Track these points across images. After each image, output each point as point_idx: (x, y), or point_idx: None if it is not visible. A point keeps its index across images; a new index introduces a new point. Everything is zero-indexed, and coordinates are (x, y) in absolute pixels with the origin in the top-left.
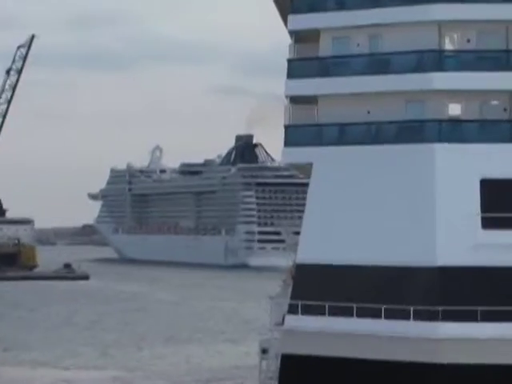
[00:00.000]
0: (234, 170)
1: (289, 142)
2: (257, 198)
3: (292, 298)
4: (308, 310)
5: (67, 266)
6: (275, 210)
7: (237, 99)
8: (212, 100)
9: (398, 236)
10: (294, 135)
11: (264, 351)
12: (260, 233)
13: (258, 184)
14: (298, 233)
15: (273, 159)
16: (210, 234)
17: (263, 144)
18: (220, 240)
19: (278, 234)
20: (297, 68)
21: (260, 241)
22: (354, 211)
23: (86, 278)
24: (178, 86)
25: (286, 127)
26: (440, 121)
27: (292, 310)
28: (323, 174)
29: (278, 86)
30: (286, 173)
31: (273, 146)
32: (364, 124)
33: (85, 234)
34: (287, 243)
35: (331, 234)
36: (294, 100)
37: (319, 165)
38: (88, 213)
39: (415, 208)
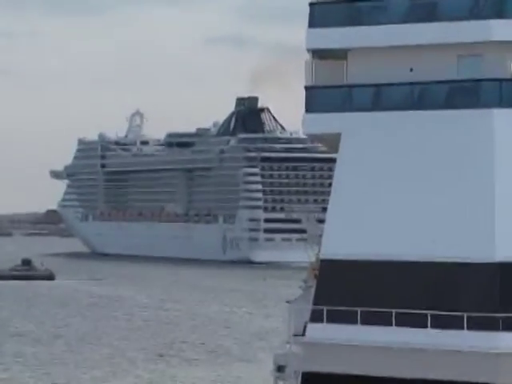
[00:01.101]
0: (233, 141)
1: (311, 108)
2: (262, 176)
3: (315, 302)
4: (335, 318)
5: (26, 262)
6: (285, 192)
7: (238, 52)
8: (206, 53)
9: (447, 225)
10: (318, 99)
11: (280, 369)
12: (267, 220)
13: (264, 159)
14: (322, 221)
15: (283, 128)
16: (204, 221)
17: (270, 108)
18: (217, 229)
19: (291, 221)
20: (322, 14)
21: (267, 230)
22: (392, 193)
23: (50, 277)
24: (164, 35)
25: (308, 89)
26: (500, 80)
27: (315, 317)
28: (354, 146)
29: (293, 35)
30: (299, 145)
31: (283, 110)
32: (405, 85)
33: (49, 222)
34: (309, 234)
35: (364, 223)
36: (318, 55)
37: (349, 136)
38: (53, 196)
39: (469, 190)
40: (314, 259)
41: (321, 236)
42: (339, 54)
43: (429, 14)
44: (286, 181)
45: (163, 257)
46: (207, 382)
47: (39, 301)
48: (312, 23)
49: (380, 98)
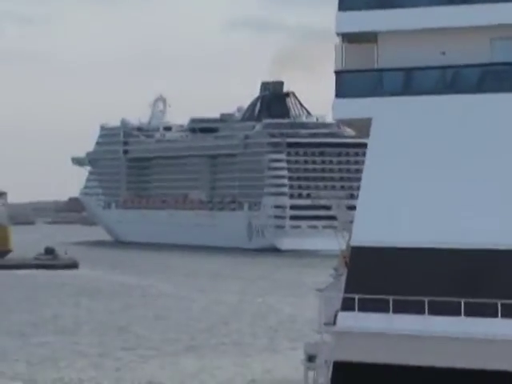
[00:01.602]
0: (258, 126)
1: (341, 93)
2: (288, 162)
3: (347, 290)
4: (367, 306)
5: (50, 250)
6: (311, 178)
7: (262, 35)
8: (230, 37)
9: (482, 210)
10: (348, 83)
11: (310, 359)
12: (293, 207)
13: (290, 145)
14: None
15: (309, 113)
16: (228, 208)
17: (296, 93)
18: (242, 216)
19: (317, 208)
20: None
21: (293, 217)
22: (425, 179)
23: (74, 266)
24: (187, 19)
25: (338, 73)
26: None
27: (347, 306)
28: (385, 131)
29: (318, 18)
30: (325, 130)
31: (309, 95)
32: (437, 68)
33: (72, 210)
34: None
35: (396, 209)
36: (348, 38)
37: (380, 121)
38: (75, 183)
39: (502, 175)
40: (344, 247)
41: (351, 223)
42: (369, 38)
43: None
44: (311, 167)
45: (187, 245)
46: (236, 371)
47: (64, 289)
48: (342, 6)
49: (411, 82)
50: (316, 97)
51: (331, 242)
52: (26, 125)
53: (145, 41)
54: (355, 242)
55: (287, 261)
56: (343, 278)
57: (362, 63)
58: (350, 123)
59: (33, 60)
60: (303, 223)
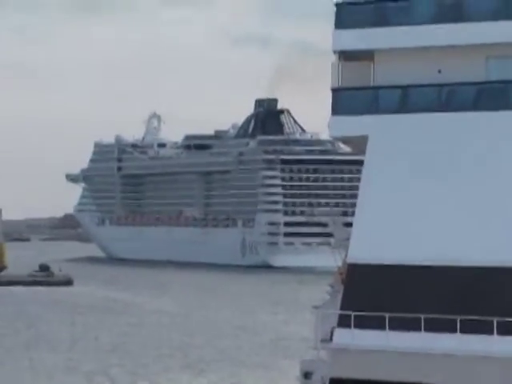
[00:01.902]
0: (253, 143)
1: (338, 110)
2: (282, 179)
3: (343, 307)
4: (363, 323)
5: (44, 267)
6: (306, 195)
7: (258, 51)
8: (225, 53)
9: (478, 228)
10: (345, 101)
11: (306, 375)
12: (287, 224)
13: (284, 161)
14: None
15: (303, 129)
16: (222, 225)
17: (290, 110)
18: (235, 233)
19: (311, 225)
20: (348, 15)
21: (287, 234)
22: (421, 196)
23: (68, 283)
24: (181, 34)
25: (335, 91)
26: None
27: (343, 322)
28: (381, 149)
29: (314, 34)
30: (319, 147)
31: (303, 112)
32: (433, 86)
33: (67, 226)
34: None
35: (393, 226)
36: (345, 56)
37: (376, 138)
38: (70, 200)
39: (499, 192)
40: (340, 263)
41: (348, 240)
42: (366, 56)
43: (457, 15)
44: (306, 184)
45: (181, 261)
46: None
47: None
48: (338, 24)
49: (407, 99)
50: (311, 114)
51: (325, 259)
52: (20, 141)
53: (140, 58)
54: (351, 259)
55: (280, 277)
56: (339, 295)
57: (359, 81)
58: (346, 140)
59: (25, 73)
60: (297, 240)
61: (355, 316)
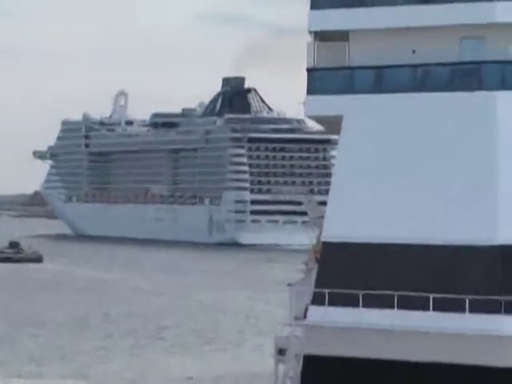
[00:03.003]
0: (220, 121)
1: (313, 90)
2: (249, 157)
3: (317, 285)
4: (337, 300)
5: (14, 244)
6: (272, 174)
7: (226, 30)
8: (193, 31)
9: (449, 207)
10: (320, 81)
11: (281, 352)
12: (253, 202)
13: (251, 140)
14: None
15: (270, 108)
16: (189, 203)
17: (258, 89)
18: (203, 211)
19: (277, 203)
20: None
21: (254, 212)
22: (394, 175)
23: (38, 260)
24: (149, 12)
25: (310, 71)
26: (503, 62)
27: (317, 300)
28: (356, 128)
29: (284, 15)
30: (286, 125)
31: (270, 90)
32: (408, 67)
33: (37, 204)
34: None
35: (367, 205)
36: (320, 36)
37: (351, 118)
38: (40, 177)
39: (471, 172)
40: (314, 241)
41: (322, 218)
42: (341, 36)
43: None
44: (272, 162)
45: (148, 239)
46: (204, 366)
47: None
48: (314, 5)
49: (382, 80)
50: (277, 93)
51: (291, 237)
52: None
53: (107, 35)
54: (326, 238)
55: (247, 254)
56: (313, 273)
57: (334, 61)
58: (321, 120)
59: None
60: (263, 218)
61: (329, 293)
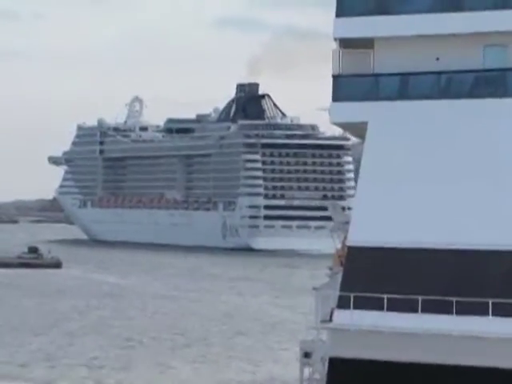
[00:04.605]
0: (234, 127)
1: (338, 97)
2: (263, 163)
3: (342, 289)
4: (362, 304)
5: (33, 249)
6: (286, 179)
7: (240, 34)
8: (208, 36)
9: (475, 212)
10: (345, 88)
11: (306, 355)
12: (267, 207)
13: (265, 145)
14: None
15: (284, 114)
16: (203, 208)
17: (271, 95)
18: (216, 216)
19: (291, 208)
20: (349, 3)
21: (267, 217)
22: (420, 181)
23: (57, 265)
24: (164, 17)
25: (335, 78)
26: None
27: (342, 303)
28: (380, 135)
29: (301, 20)
30: (299, 131)
31: (284, 96)
32: (432, 74)
33: (56, 209)
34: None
35: (391, 210)
36: (345, 44)
37: (376, 124)
38: (58, 182)
39: (495, 177)
40: (339, 246)
41: (346, 223)
42: (366, 43)
43: (455, 4)
44: (286, 167)
45: (162, 244)
46: (229, 371)
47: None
48: (339, 12)
49: (406, 86)
50: (291, 99)
51: (305, 242)
52: (10, 120)
53: (123, 41)
54: (351, 242)
55: (262, 259)
56: (339, 277)
57: (359, 68)
58: (346, 126)
59: (10, 57)
60: (277, 223)
61: (354, 297)
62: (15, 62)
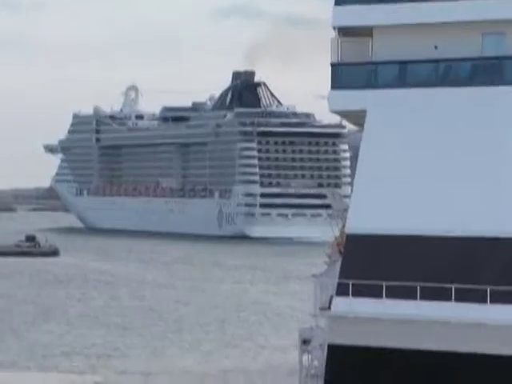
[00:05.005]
0: (230, 115)
1: (337, 85)
2: (259, 151)
3: (341, 276)
4: (361, 292)
5: (31, 238)
6: (282, 167)
7: (237, 23)
8: (204, 24)
9: (473, 200)
10: (344, 76)
11: (305, 342)
12: (263, 195)
13: (261, 133)
14: (317, 196)
15: (279, 102)
16: (199, 196)
17: (267, 83)
18: (212, 204)
19: (287, 196)
20: None
21: (263, 205)
22: (417, 168)
23: (54, 253)
24: (161, 5)
25: (334, 66)
26: None
27: (341, 291)
28: (379, 122)
29: (298, 6)
30: (295, 120)
31: (279, 85)
32: (430, 62)
33: (53, 197)
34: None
35: (390, 197)
36: (344, 32)
37: (375, 112)
38: (55, 171)
39: (494, 165)
40: (337, 234)
41: (345, 211)
42: (364, 32)
43: None
44: (282, 155)
45: (158, 231)
46: (227, 359)
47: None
48: (338, 1)
49: (405, 74)
50: (287, 87)
51: (301, 230)
52: (6, 109)
53: (119, 29)
54: (350, 230)
55: (258, 247)
56: (337, 265)
57: (358, 56)
58: (344, 114)
59: (7, 46)
60: (273, 211)
61: (353, 285)
62: (12, 50)
